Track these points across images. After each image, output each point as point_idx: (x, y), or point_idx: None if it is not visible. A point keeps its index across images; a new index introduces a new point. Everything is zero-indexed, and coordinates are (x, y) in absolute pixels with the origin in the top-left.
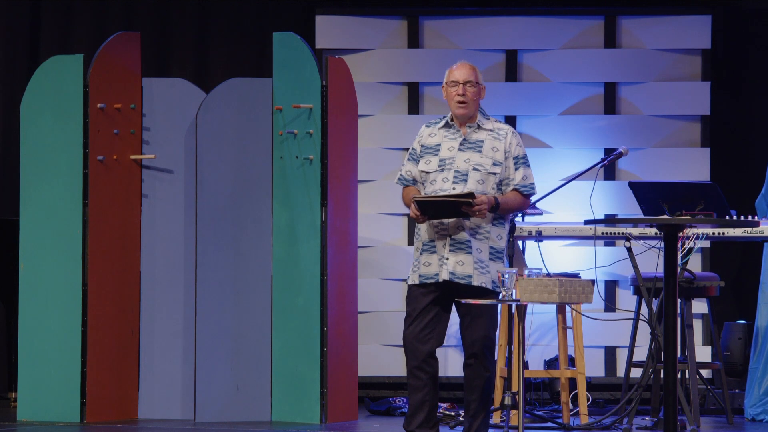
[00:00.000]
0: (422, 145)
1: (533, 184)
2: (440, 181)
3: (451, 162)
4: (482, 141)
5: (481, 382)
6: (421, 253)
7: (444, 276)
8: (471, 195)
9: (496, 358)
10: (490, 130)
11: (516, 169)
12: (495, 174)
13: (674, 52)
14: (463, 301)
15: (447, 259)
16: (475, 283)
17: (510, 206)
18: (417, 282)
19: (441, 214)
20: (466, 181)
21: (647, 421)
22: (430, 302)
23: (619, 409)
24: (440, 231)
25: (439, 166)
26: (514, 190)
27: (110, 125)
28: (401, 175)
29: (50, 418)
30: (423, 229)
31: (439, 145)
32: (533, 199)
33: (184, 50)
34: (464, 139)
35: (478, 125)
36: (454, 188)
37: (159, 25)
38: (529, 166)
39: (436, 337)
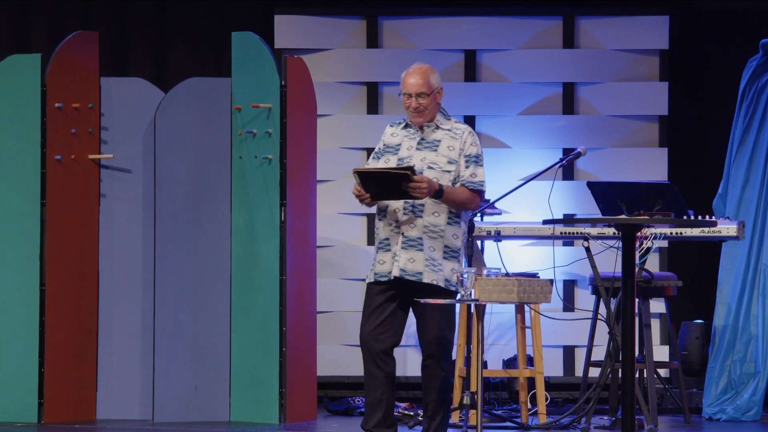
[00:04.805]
0: (385, 144)
1: (482, 182)
2: None
3: (409, 160)
4: (439, 140)
5: (437, 383)
6: (377, 252)
7: (395, 273)
8: (411, 169)
9: (454, 358)
10: (448, 130)
11: (467, 167)
12: (449, 172)
13: (632, 52)
14: (422, 300)
15: (399, 256)
16: (425, 280)
17: (455, 198)
18: (372, 280)
19: (383, 192)
20: None
21: (605, 420)
22: (385, 300)
23: (577, 409)
24: (394, 229)
25: (398, 164)
26: (462, 185)
27: (68, 125)
28: None
29: (7, 418)
30: (380, 228)
31: (399, 144)
32: (488, 198)
33: (142, 50)
34: (422, 139)
35: (437, 125)
36: None
37: (117, 24)
38: (481, 165)
39: (392, 335)
